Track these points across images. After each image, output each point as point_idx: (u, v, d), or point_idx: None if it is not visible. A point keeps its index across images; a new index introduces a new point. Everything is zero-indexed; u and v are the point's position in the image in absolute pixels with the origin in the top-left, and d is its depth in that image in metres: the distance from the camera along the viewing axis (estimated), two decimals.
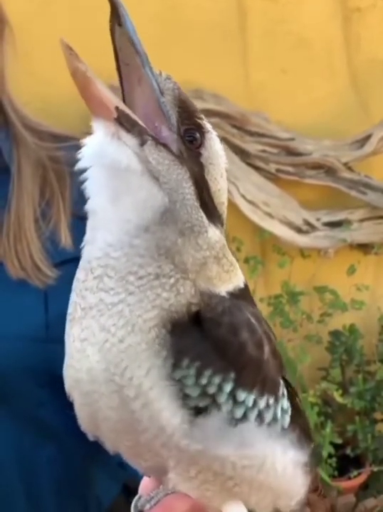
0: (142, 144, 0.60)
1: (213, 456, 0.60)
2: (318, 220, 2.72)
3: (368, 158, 2.74)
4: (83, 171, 0.63)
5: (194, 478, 0.62)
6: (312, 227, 2.71)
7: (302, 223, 2.69)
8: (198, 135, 0.63)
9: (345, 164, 2.71)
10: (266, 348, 0.64)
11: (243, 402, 0.61)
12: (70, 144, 1.16)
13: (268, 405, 0.64)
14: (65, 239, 1.08)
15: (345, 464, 2.60)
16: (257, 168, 2.62)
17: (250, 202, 2.58)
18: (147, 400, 0.58)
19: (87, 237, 0.64)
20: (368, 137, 2.70)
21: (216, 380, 0.60)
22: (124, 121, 0.60)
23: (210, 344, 0.60)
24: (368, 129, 2.72)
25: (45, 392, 1.09)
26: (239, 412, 0.61)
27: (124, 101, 0.61)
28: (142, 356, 0.59)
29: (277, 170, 2.66)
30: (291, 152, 2.66)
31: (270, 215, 2.62)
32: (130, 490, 1.23)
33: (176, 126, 0.62)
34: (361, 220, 2.79)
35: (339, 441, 2.55)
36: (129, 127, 0.60)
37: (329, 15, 2.79)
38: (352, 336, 2.74)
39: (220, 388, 0.60)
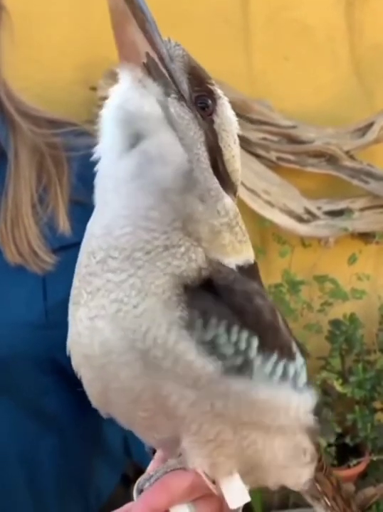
0: (166, 95, 0.60)
1: (245, 401, 0.61)
2: (319, 208, 2.71)
3: (370, 146, 2.73)
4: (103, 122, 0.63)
5: (212, 441, 0.62)
6: (313, 216, 2.70)
7: (303, 212, 2.68)
8: (209, 102, 0.62)
9: (347, 152, 2.69)
10: (278, 315, 0.66)
11: (268, 358, 0.63)
12: (67, 129, 1.15)
13: (287, 363, 0.66)
14: (64, 224, 1.07)
15: (344, 452, 2.61)
16: (258, 156, 2.61)
17: (251, 190, 2.57)
18: (176, 355, 0.58)
19: (97, 204, 0.63)
20: (370, 125, 2.68)
21: (244, 335, 0.61)
22: (152, 69, 0.59)
23: (228, 308, 0.61)
24: (370, 117, 2.70)
25: (48, 379, 1.08)
26: (267, 368, 0.63)
27: None
28: (160, 315, 0.58)
29: (278, 158, 2.64)
30: (292, 140, 2.65)
31: (270, 204, 2.61)
32: (130, 479, 1.23)
33: (188, 93, 0.61)
34: (363, 209, 2.77)
35: (338, 430, 2.56)
36: (156, 76, 0.60)
37: (332, 2, 2.77)
38: (352, 326, 2.73)
39: (249, 344, 0.61)
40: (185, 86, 0.61)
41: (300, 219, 2.67)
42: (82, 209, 1.03)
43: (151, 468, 0.71)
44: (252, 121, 2.58)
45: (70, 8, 2.37)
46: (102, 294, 0.60)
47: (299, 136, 2.65)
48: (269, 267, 2.75)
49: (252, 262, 0.67)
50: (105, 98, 2.30)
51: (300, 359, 0.69)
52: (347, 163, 2.69)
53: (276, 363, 0.64)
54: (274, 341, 0.64)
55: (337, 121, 2.73)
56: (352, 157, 2.71)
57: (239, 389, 0.61)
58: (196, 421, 0.61)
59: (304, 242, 2.77)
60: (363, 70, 2.83)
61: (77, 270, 0.64)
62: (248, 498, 0.66)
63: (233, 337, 0.60)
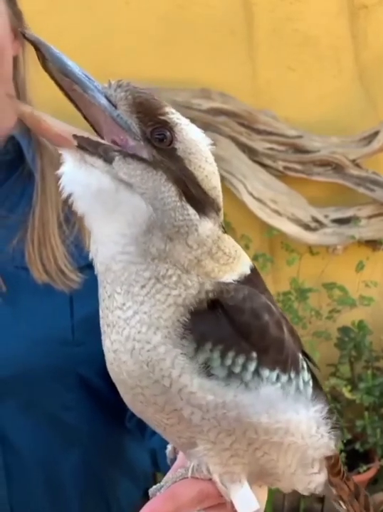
0: (110, 161, 0.61)
1: (247, 423, 0.64)
2: (326, 216, 2.73)
3: (376, 154, 2.75)
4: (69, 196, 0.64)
5: (227, 450, 0.66)
6: (321, 224, 2.72)
7: (310, 220, 2.70)
8: (166, 132, 0.63)
9: (353, 161, 2.71)
10: (285, 328, 0.68)
11: (267, 378, 0.65)
12: None
13: (290, 379, 0.68)
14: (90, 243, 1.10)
15: (354, 458, 2.61)
16: (265, 166, 2.64)
17: (258, 199, 2.59)
18: (181, 386, 0.63)
19: (91, 250, 0.67)
20: (376, 134, 2.71)
21: (240, 360, 0.64)
22: (86, 146, 0.61)
23: (232, 328, 0.64)
24: (376, 126, 2.72)
25: (72, 395, 1.11)
26: (268, 388, 0.65)
27: (87, 119, 0.62)
28: (164, 350, 0.63)
29: (285, 167, 2.67)
30: (299, 150, 2.67)
31: (278, 213, 2.64)
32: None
33: (140, 132, 0.62)
34: (369, 217, 2.79)
35: (348, 436, 2.57)
36: (93, 149, 0.61)
37: (336, 12, 2.80)
38: (361, 332, 2.74)
39: (244, 368, 0.64)
40: (135, 127, 0.62)
41: (307, 227, 2.70)
42: None
43: (165, 477, 0.73)
44: (258, 131, 2.61)
45: (77, 25, 2.41)
46: (117, 330, 0.65)
47: (305, 145, 2.67)
48: (277, 275, 2.77)
49: (248, 272, 0.69)
50: None
51: (305, 373, 0.70)
52: (353, 171, 2.72)
53: (277, 381, 0.66)
54: (278, 356, 0.67)
55: (341, 129, 2.75)
56: (357, 165, 2.74)
57: (240, 414, 0.64)
58: (213, 431, 0.65)
59: (312, 250, 2.78)
60: (367, 79, 2.85)
61: (99, 301, 0.68)
62: (257, 506, 0.68)
63: (227, 361, 0.63)
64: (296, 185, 2.70)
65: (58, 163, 1.16)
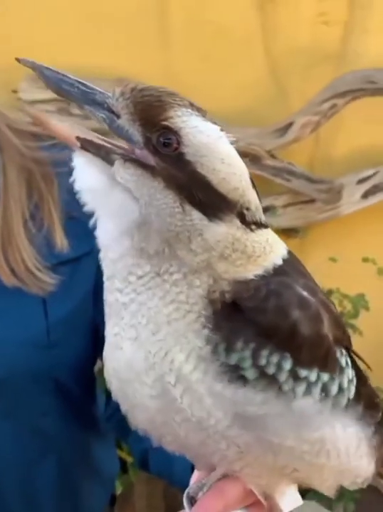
0: (111, 163, 0.61)
1: (268, 444, 0.60)
2: None
3: (290, 145, 2.79)
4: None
5: (249, 466, 0.63)
6: None
7: None
8: (172, 136, 0.61)
9: (268, 152, 2.75)
10: (325, 320, 0.64)
11: (305, 377, 0.61)
12: (52, 142, 1.11)
13: (332, 377, 0.63)
14: (61, 241, 1.05)
15: None
16: None
17: None
18: (189, 385, 0.59)
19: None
20: (290, 125, 2.76)
21: (274, 359, 0.60)
22: (89, 147, 0.61)
23: (258, 329, 0.60)
24: (289, 117, 2.77)
25: (49, 400, 1.07)
26: (301, 389, 0.61)
27: None
28: (182, 340, 0.60)
29: None
30: None
31: None
32: (115, 499, 1.25)
33: (143, 140, 0.61)
34: (285, 206, 2.85)
35: None
36: (95, 151, 0.61)
37: (248, 2, 2.82)
38: None
39: (279, 367, 0.60)
40: (137, 135, 0.61)
41: None
42: (75, 223, 1.00)
43: (197, 478, 0.71)
44: None
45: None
46: (116, 312, 0.63)
47: None
48: None
49: (280, 262, 0.66)
50: (27, 101, 2.28)
51: (349, 370, 0.66)
52: (269, 162, 2.75)
53: (317, 380, 0.62)
54: (314, 354, 0.63)
55: (256, 121, 2.78)
56: (273, 156, 2.77)
57: (263, 422, 0.60)
58: (218, 454, 0.62)
59: None
60: (279, 70, 2.89)
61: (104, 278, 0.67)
62: (300, 502, 0.67)
63: (262, 361, 0.60)
64: None
65: (19, 160, 1.09)
